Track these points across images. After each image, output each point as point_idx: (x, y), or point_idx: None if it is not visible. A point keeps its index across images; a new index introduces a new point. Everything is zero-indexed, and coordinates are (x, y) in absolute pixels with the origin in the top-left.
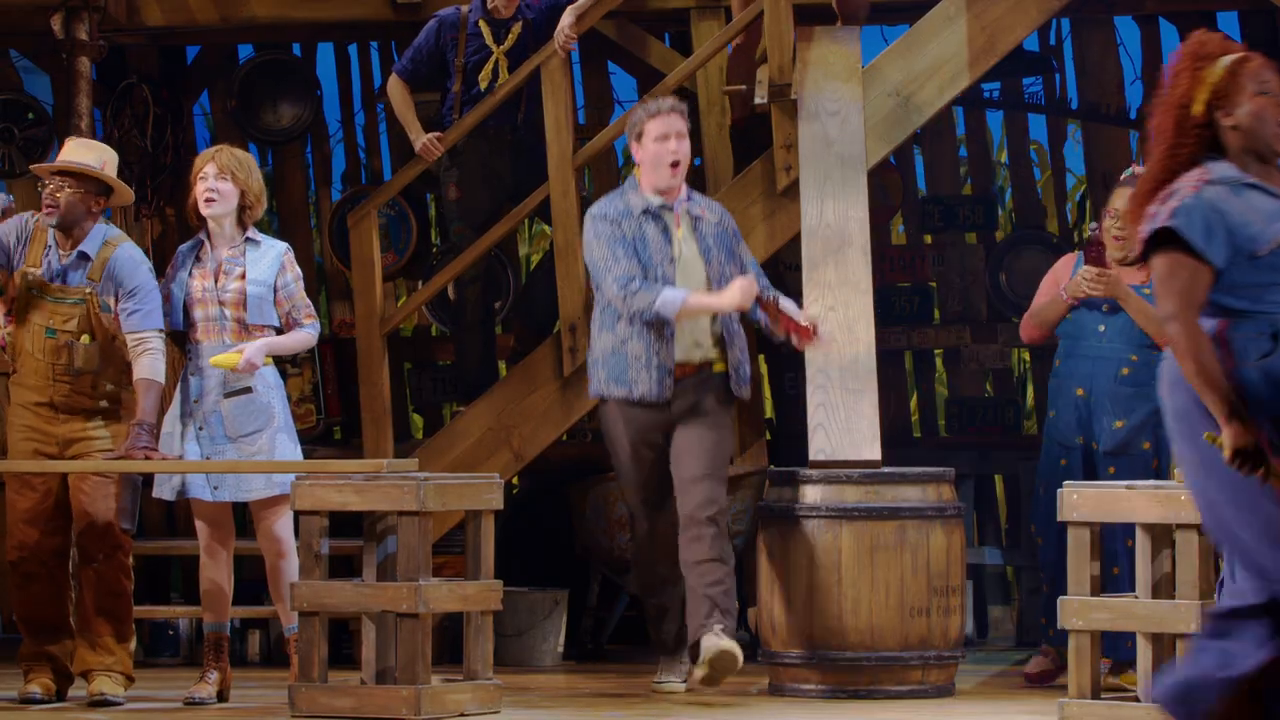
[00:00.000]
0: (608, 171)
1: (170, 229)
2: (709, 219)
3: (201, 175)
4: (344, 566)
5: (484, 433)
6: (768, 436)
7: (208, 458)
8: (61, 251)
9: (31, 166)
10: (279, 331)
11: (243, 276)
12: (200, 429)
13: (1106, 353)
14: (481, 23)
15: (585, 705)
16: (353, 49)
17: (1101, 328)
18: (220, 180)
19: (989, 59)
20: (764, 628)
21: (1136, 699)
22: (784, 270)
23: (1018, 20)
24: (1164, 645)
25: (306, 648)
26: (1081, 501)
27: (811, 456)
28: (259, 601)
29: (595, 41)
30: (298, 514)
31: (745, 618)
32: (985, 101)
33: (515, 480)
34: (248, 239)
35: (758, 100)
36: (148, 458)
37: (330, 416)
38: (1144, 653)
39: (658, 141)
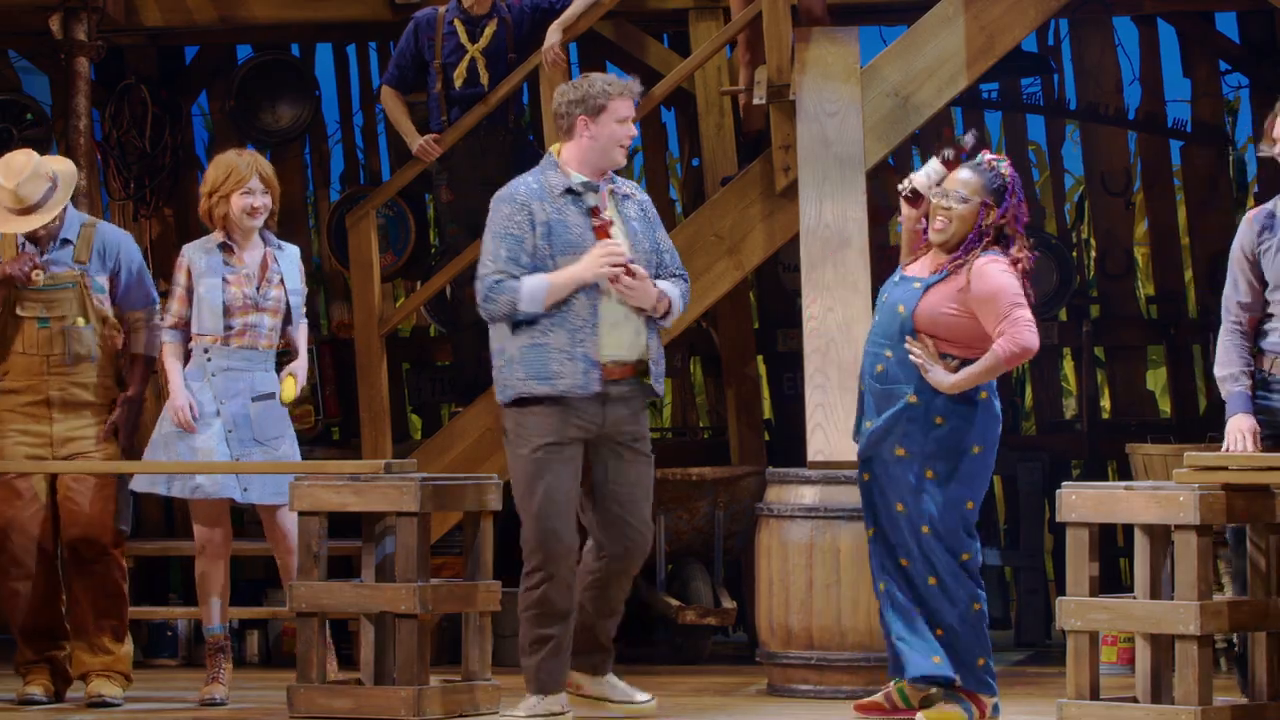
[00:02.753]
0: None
1: (168, 229)
2: (636, 198)
3: (247, 189)
4: (343, 567)
5: (482, 433)
6: (766, 437)
7: (237, 459)
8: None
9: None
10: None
11: (281, 284)
12: (230, 431)
13: (870, 346)
14: (457, 22)
15: (582, 706)
16: (351, 49)
17: (876, 317)
18: (266, 195)
19: (987, 59)
20: (762, 628)
21: (1135, 699)
22: (783, 271)
23: (1016, 21)
24: (1162, 646)
25: (305, 648)
26: (1079, 502)
27: (810, 457)
28: (258, 602)
29: (593, 42)
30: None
31: (744, 616)
32: (984, 102)
33: None
34: (274, 245)
35: (756, 100)
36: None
37: (329, 417)
38: (1142, 654)
39: (620, 123)
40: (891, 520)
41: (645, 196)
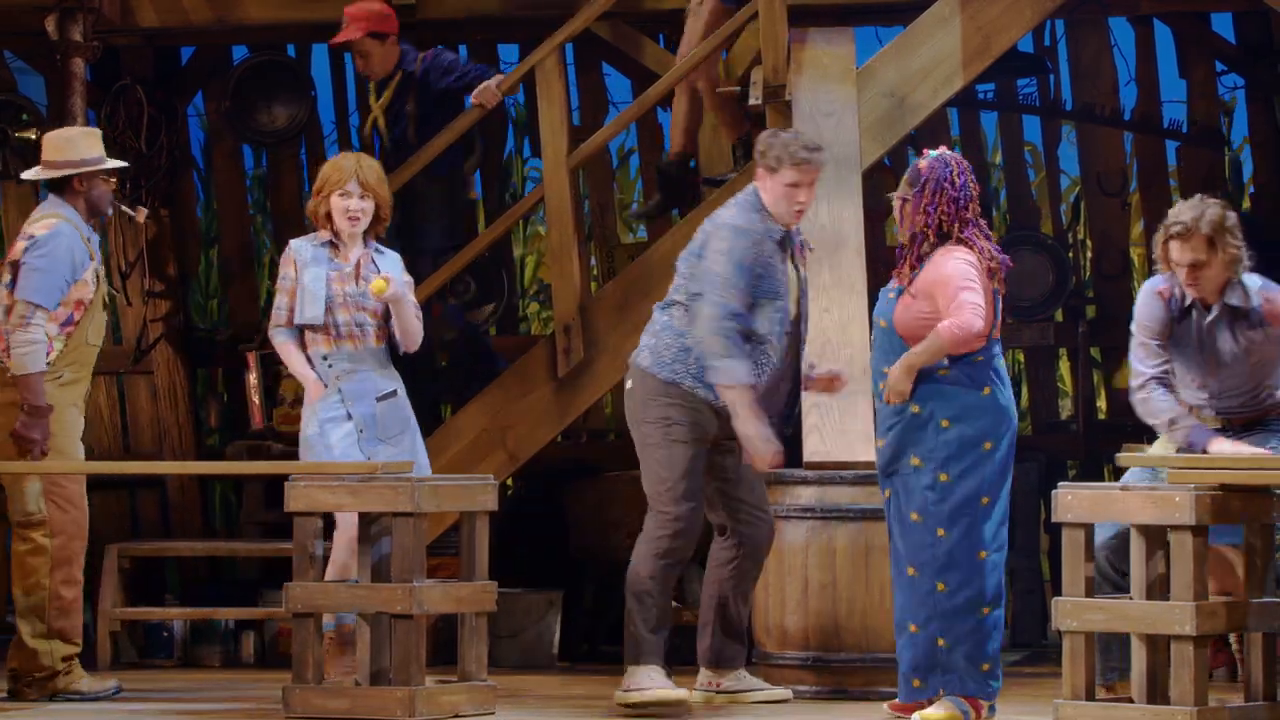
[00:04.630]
0: (602, 172)
1: (164, 230)
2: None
3: (344, 192)
4: None
5: (479, 434)
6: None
7: (368, 459)
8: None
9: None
10: (389, 339)
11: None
12: (361, 431)
13: (873, 364)
14: (369, 80)
15: (580, 706)
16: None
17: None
18: (364, 200)
19: (983, 60)
20: (758, 629)
21: (1130, 700)
22: None
23: (1012, 21)
24: (1159, 647)
25: (301, 649)
26: (1075, 502)
27: (806, 458)
28: (253, 603)
29: (590, 43)
30: (292, 515)
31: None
32: (980, 103)
33: (510, 481)
34: (371, 246)
35: (752, 102)
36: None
37: None
38: (1139, 654)
39: (795, 187)
40: (906, 531)
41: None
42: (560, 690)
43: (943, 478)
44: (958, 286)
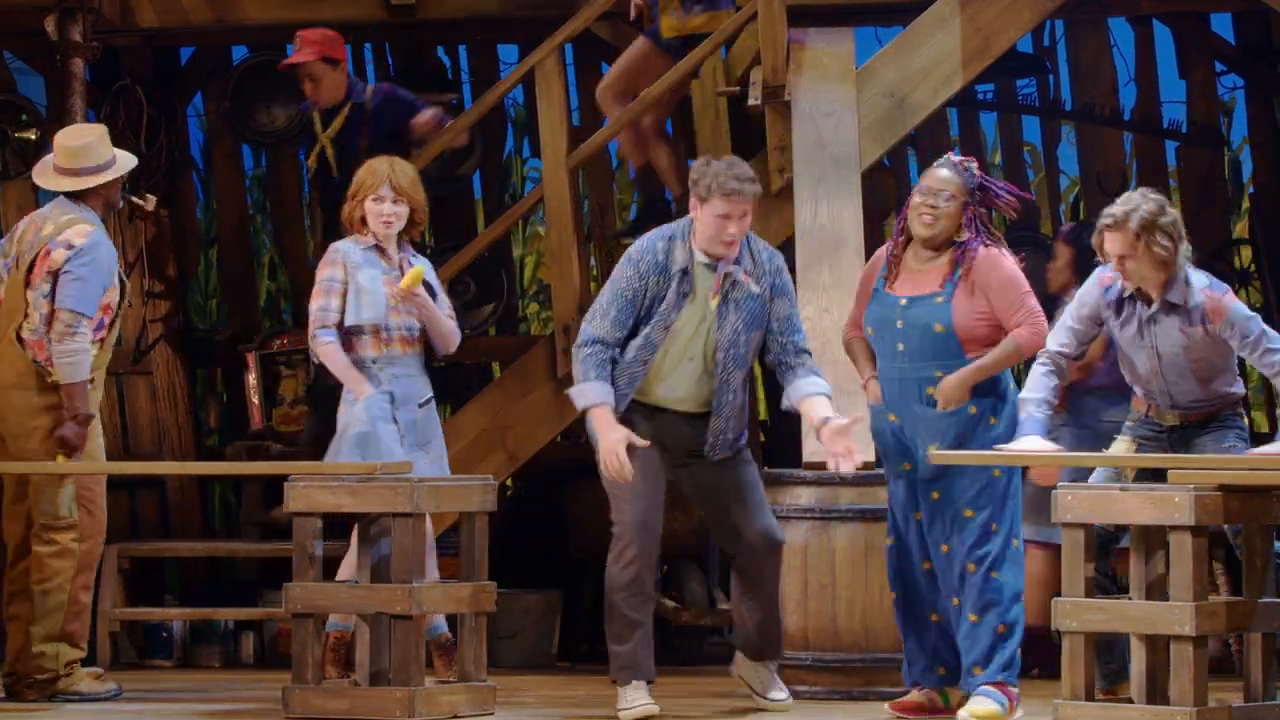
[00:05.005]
0: (601, 173)
1: (164, 231)
2: (746, 288)
3: (377, 196)
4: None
5: (478, 434)
6: (762, 438)
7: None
8: None
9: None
10: (425, 343)
11: (427, 289)
12: (404, 436)
13: (905, 373)
14: (315, 110)
15: (579, 707)
16: (347, 50)
17: (900, 346)
18: (397, 204)
19: (983, 60)
20: None
21: (1130, 700)
22: None
23: (1012, 22)
24: (1158, 647)
25: (300, 649)
26: (1075, 503)
27: (805, 458)
28: (253, 603)
29: (589, 43)
30: (292, 515)
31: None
32: (979, 103)
33: (509, 481)
34: (408, 253)
35: (751, 102)
36: None
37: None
38: (1138, 655)
39: (724, 218)
40: (959, 525)
41: (764, 279)
42: (560, 691)
43: (996, 473)
44: (1024, 292)
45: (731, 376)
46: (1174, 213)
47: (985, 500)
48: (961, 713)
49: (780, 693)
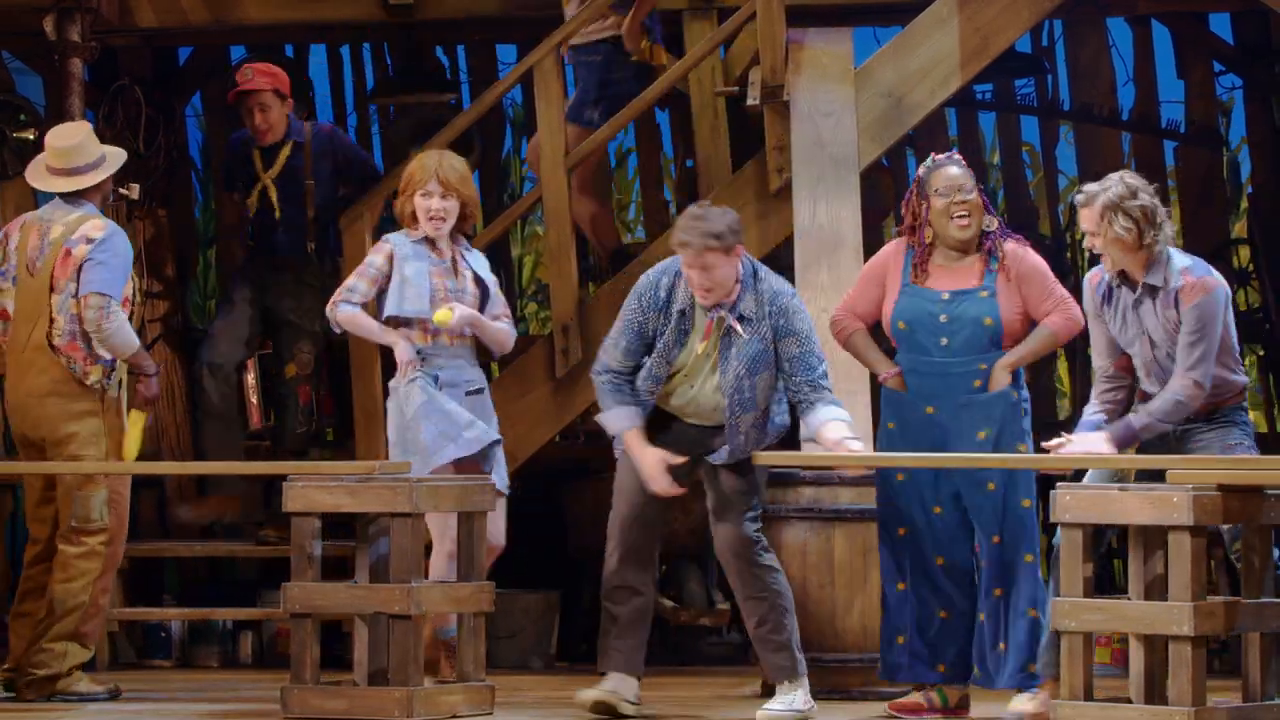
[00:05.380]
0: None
1: (162, 230)
2: (743, 333)
3: (425, 192)
4: (338, 568)
5: None
6: None
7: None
8: None
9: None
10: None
11: (477, 281)
12: None
13: (949, 369)
14: (256, 150)
15: (577, 707)
16: (345, 50)
17: (944, 340)
18: (445, 200)
19: (981, 60)
20: None
21: (1129, 700)
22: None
23: (1010, 21)
24: (1156, 647)
25: (299, 649)
26: (1074, 503)
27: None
28: (252, 603)
29: None
30: (290, 515)
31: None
32: (977, 103)
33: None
34: (462, 246)
35: (750, 102)
36: None
37: (323, 417)
38: (1136, 655)
39: (687, 268)
40: (1018, 518)
41: (765, 322)
42: (558, 691)
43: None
44: (1053, 280)
45: (740, 420)
46: (1148, 198)
47: (1032, 491)
48: (1014, 709)
49: (774, 703)
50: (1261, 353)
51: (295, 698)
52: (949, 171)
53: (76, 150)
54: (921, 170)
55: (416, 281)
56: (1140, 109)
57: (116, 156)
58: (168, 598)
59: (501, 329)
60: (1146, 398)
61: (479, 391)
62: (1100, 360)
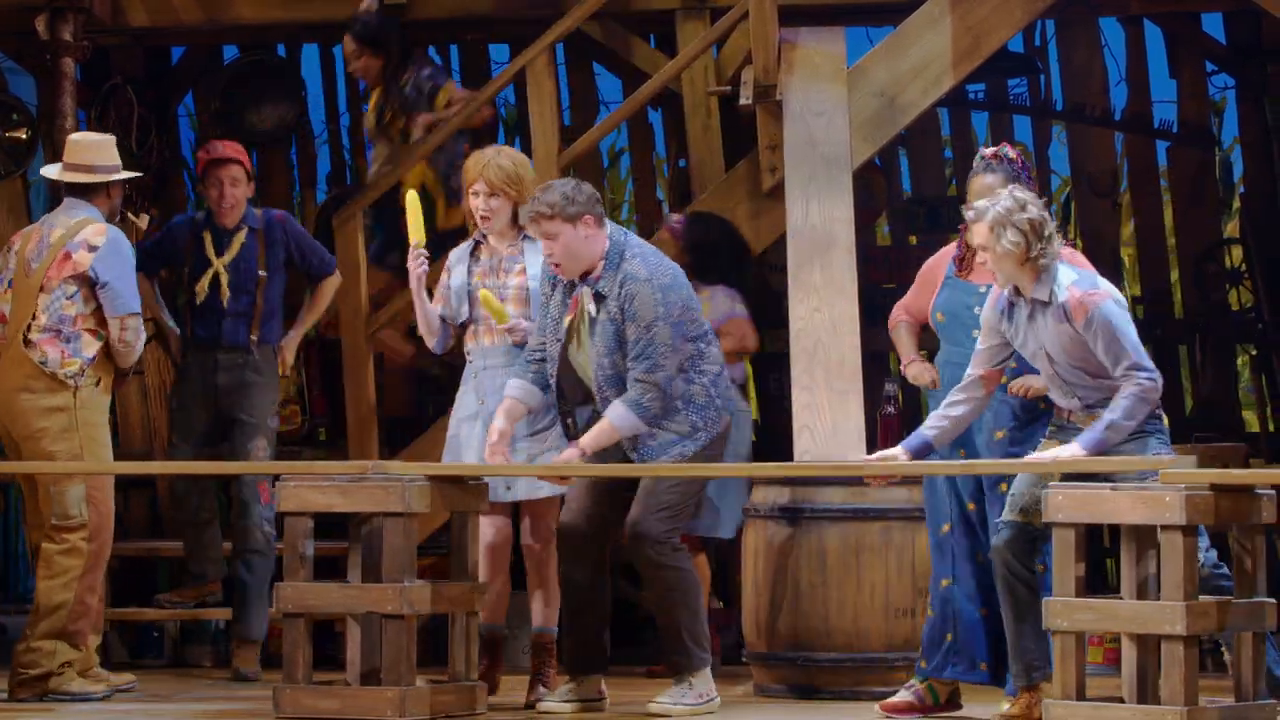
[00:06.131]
0: (593, 172)
1: (155, 230)
2: (608, 306)
3: (473, 191)
4: (330, 568)
5: None
6: (753, 438)
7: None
8: None
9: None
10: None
11: (523, 272)
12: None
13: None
14: (206, 232)
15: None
16: (338, 50)
17: (977, 333)
18: (491, 199)
19: (973, 60)
20: (748, 628)
21: (1121, 699)
22: (769, 271)
23: (1002, 21)
24: (1148, 646)
25: (291, 649)
26: (1066, 502)
27: (797, 457)
28: None
29: (580, 43)
30: (282, 515)
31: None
32: (970, 102)
33: None
34: (525, 236)
35: (743, 101)
36: None
37: (316, 417)
38: (1128, 654)
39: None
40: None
41: (624, 295)
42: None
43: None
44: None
45: (609, 395)
46: (1037, 212)
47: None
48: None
49: (665, 698)
50: (1254, 352)
51: (287, 697)
52: (982, 180)
53: (99, 148)
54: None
55: (456, 287)
56: (1133, 109)
57: (130, 173)
58: (160, 597)
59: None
60: (1052, 407)
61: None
62: (972, 369)
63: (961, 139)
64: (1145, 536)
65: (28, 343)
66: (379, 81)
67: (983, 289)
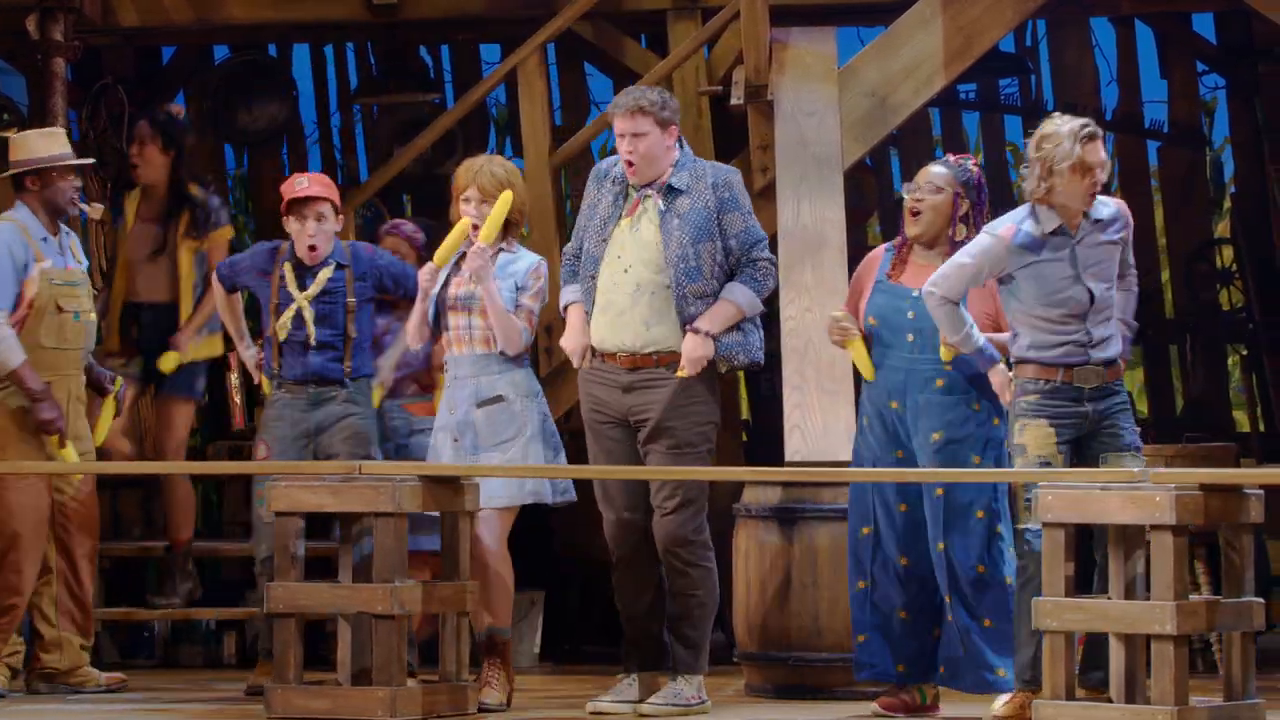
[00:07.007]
0: (584, 172)
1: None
2: (684, 202)
3: (465, 198)
4: (321, 568)
5: None
6: (744, 437)
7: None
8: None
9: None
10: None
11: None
12: (455, 440)
13: (919, 362)
14: (287, 265)
15: (562, 707)
16: (329, 50)
17: (911, 337)
18: (484, 205)
19: (965, 60)
20: (739, 629)
21: (1109, 699)
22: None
23: (994, 21)
24: (1137, 646)
25: (282, 649)
26: (1056, 502)
27: (787, 457)
28: (236, 603)
29: (572, 43)
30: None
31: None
32: (961, 102)
33: None
34: (501, 249)
35: (734, 101)
36: None
37: None
38: (1117, 654)
39: (619, 138)
40: (967, 528)
41: (707, 191)
42: (542, 690)
43: (977, 459)
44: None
45: (688, 291)
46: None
47: (992, 500)
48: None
49: (656, 699)
50: (1244, 352)
51: (278, 697)
52: (929, 169)
53: (21, 144)
54: None
55: (436, 299)
56: (1123, 109)
57: (48, 159)
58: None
59: (510, 321)
60: (982, 401)
61: (494, 400)
62: (957, 299)
63: (953, 139)
64: (1133, 536)
65: None
66: (154, 178)
67: (915, 293)
